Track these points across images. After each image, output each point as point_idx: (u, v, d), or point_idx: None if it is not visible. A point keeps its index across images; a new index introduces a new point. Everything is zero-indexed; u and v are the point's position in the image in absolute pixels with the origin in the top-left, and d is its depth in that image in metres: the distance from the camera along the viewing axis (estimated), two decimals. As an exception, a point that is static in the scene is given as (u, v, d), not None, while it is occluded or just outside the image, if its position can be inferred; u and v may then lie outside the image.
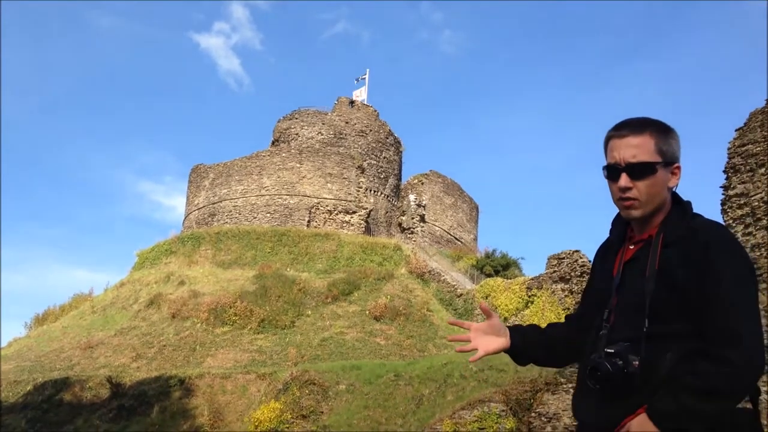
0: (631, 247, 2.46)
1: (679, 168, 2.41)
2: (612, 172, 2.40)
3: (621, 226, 2.55)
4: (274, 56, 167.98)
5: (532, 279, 29.56)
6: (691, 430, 2.13)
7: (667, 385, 2.17)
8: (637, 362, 2.20)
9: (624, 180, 2.36)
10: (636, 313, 2.29)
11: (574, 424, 16.45)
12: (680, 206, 2.42)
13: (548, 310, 26.67)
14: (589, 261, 26.75)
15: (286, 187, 45.01)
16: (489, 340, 2.63)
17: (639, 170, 2.35)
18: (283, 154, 46.12)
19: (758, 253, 13.46)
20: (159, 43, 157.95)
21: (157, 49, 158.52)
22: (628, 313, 2.33)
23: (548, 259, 28.16)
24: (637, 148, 2.35)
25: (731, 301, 2.14)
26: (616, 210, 2.50)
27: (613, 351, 2.25)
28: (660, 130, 2.39)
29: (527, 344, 2.66)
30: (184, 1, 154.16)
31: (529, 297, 28.30)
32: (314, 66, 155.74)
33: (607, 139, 2.46)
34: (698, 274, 2.20)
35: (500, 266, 39.02)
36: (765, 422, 11.93)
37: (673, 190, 2.42)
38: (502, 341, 2.64)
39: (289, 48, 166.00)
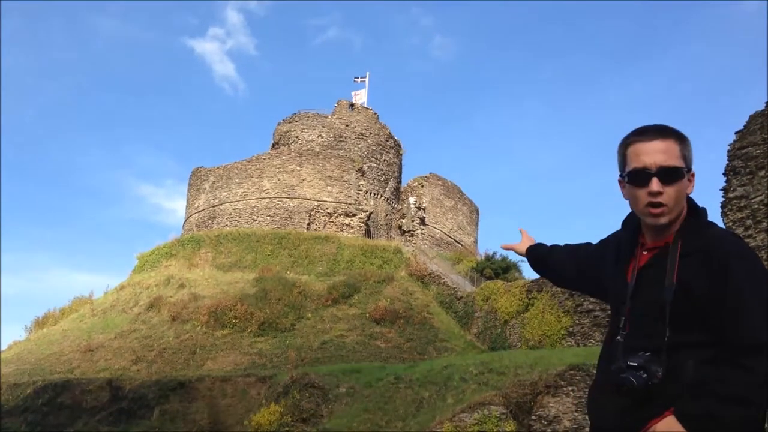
0: (645, 253, 2.45)
1: (693, 175, 2.40)
2: (640, 177, 2.35)
3: (631, 231, 2.53)
4: (269, 61, 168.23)
5: (532, 282, 29.52)
6: None
7: (693, 390, 2.19)
8: (660, 374, 2.22)
9: (656, 184, 2.31)
10: (655, 322, 2.30)
11: (574, 427, 16.41)
12: (697, 215, 2.41)
13: (548, 313, 26.64)
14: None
15: (286, 189, 45.01)
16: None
17: (670, 174, 2.31)
18: (283, 157, 46.15)
19: (759, 256, 13.46)
20: (155, 48, 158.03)
21: (154, 53, 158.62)
22: (646, 321, 2.34)
23: (548, 261, 28.12)
24: (666, 153, 2.33)
25: (754, 311, 2.16)
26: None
27: (636, 364, 2.25)
28: (680, 137, 2.39)
29: (539, 254, 3.10)
30: (179, 2, 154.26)
31: (529, 300, 28.26)
32: (309, 71, 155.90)
33: (627, 145, 2.42)
34: (719, 285, 2.21)
35: (500, 269, 38.97)
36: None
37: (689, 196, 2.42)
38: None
39: (284, 53, 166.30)
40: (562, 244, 3.03)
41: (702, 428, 2.14)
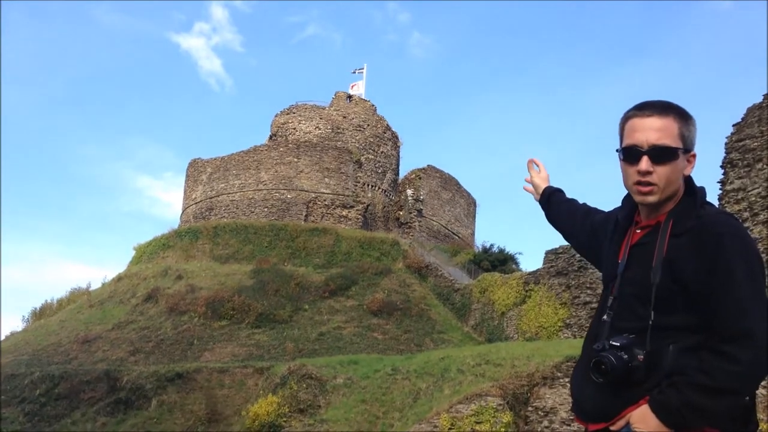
0: (638, 231, 2.39)
1: (694, 156, 2.33)
2: (631, 154, 2.29)
3: (629, 208, 2.47)
4: (255, 58, 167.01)
5: (529, 274, 29.59)
6: (692, 425, 2.10)
7: (672, 379, 2.13)
8: (642, 356, 2.17)
9: (645, 163, 2.25)
10: (640, 302, 2.25)
11: (571, 418, 16.43)
12: (693, 195, 2.34)
13: (545, 305, 26.71)
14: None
15: (283, 181, 44.97)
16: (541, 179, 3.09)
17: (662, 154, 2.24)
18: (281, 149, 46.07)
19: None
20: (142, 42, 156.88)
21: (141, 47, 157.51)
22: (632, 301, 2.29)
23: (545, 254, 28.15)
24: (660, 131, 2.25)
25: (742, 297, 2.09)
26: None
27: (618, 344, 2.20)
28: (682, 116, 2.31)
29: (555, 205, 2.97)
30: (164, 1, 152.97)
31: (527, 292, 28.33)
32: (294, 68, 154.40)
33: (626, 119, 2.36)
34: (708, 268, 2.14)
35: (497, 261, 39.07)
36: (761, 416, 11.98)
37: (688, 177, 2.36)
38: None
39: (270, 50, 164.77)
40: (581, 201, 2.94)
41: (681, 418, 2.09)
